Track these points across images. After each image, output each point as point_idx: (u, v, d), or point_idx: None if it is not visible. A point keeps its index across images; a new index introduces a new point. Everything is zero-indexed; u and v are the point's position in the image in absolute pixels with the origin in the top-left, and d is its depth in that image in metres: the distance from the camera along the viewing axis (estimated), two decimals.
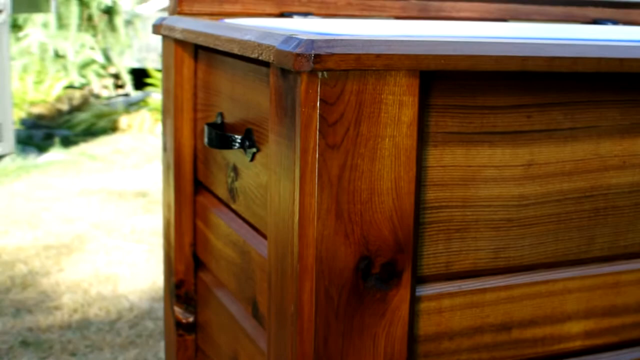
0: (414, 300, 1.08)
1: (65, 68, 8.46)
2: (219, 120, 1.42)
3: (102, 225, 4.78)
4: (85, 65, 8.59)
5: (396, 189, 1.03)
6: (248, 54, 1.10)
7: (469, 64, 1.01)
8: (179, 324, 1.66)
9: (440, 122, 1.07)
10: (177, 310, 1.66)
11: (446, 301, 1.12)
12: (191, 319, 1.64)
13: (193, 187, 1.60)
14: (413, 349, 1.10)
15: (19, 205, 5.21)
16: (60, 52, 8.42)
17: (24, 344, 3.45)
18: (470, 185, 1.10)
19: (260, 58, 1.06)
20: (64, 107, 8.20)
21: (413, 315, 1.08)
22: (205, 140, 1.34)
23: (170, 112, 1.60)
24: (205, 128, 1.35)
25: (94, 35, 8.60)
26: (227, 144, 1.28)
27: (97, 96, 8.67)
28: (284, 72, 1.02)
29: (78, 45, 8.42)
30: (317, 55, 0.94)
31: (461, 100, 1.08)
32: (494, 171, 1.11)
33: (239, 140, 1.27)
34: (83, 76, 8.59)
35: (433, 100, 1.06)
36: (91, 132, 7.53)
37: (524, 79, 1.10)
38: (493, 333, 1.15)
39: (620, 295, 1.22)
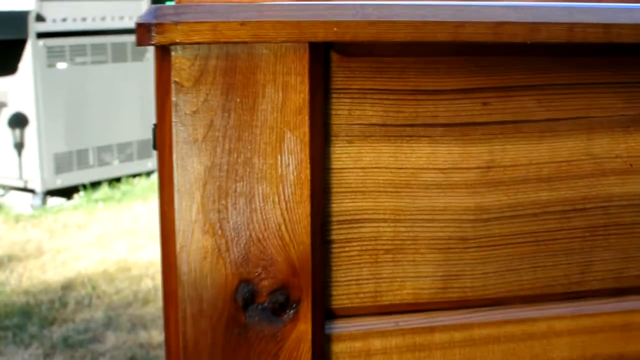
0: (323, 338, 0.84)
1: None
2: None
3: None
4: None
5: (285, 195, 0.79)
6: None
7: (373, 33, 0.76)
8: None
9: (356, 110, 0.83)
10: None
11: (377, 342, 0.87)
12: None
13: None
14: None
15: None
16: None
17: None
18: (403, 193, 0.85)
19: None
20: None
21: (323, 359, 0.84)
22: None
23: None
24: None
25: None
26: None
27: None
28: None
29: None
30: (158, 25, 0.73)
31: (385, 83, 0.83)
32: (437, 175, 0.86)
33: None
34: None
35: (340, 83, 0.82)
36: None
37: (476, 53, 0.84)
38: None
39: (631, 342, 0.92)
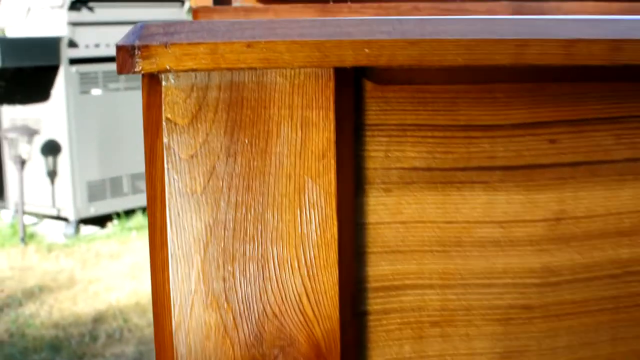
0: None
1: None
2: None
3: None
4: None
5: (307, 259, 0.63)
6: None
7: (415, 55, 0.60)
8: None
9: (394, 152, 0.67)
10: None
11: None
12: None
13: None
14: None
15: None
16: None
17: None
18: (453, 252, 0.69)
19: None
20: None
21: None
22: None
23: None
24: None
25: None
26: None
27: None
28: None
29: None
30: (144, 48, 0.58)
31: (430, 117, 0.67)
32: (495, 230, 0.69)
33: None
34: None
35: (374, 117, 0.66)
36: None
37: (542, 79, 0.68)
38: None
39: None
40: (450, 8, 1.37)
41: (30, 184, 6.13)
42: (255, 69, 0.60)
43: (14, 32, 5.86)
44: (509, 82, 0.68)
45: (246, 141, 0.62)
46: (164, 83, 0.61)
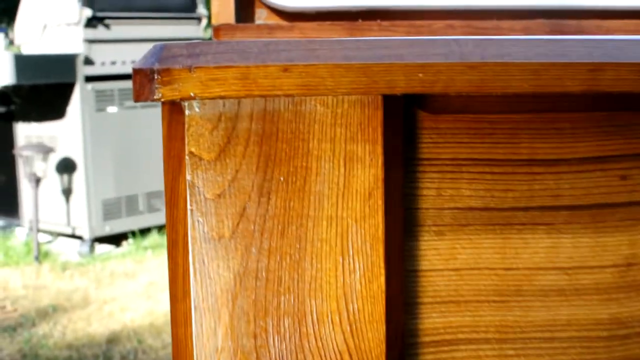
0: None
1: None
2: None
3: None
4: None
5: (350, 313, 0.55)
6: None
7: (475, 81, 0.52)
8: None
9: (448, 190, 0.59)
10: None
11: None
12: None
13: None
14: None
15: None
16: None
17: None
18: (512, 302, 0.61)
19: None
20: None
21: None
22: None
23: None
24: None
25: None
26: None
27: None
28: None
29: None
30: (164, 72, 0.50)
31: (488, 151, 0.59)
32: (559, 277, 0.61)
33: None
34: None
35: (426, 151, 0.58)
36: None
37: (612, 107, 0.60)
38: None
39: None
40: (487, 27, 1.29)
41: (45, 202, 6.08)
42: (292, 96, 0.52)
43: (29, 49, 5.83)
44: (576, 111, 0.60)
45: (281, 179, 0.54)
46: (187, 112, 0.53)
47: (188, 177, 0.53)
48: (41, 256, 5.93)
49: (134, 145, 6.08)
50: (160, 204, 6.10)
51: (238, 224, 0.54)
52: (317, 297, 0.55)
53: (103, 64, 5.74)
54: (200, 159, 0.54)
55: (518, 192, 0.60)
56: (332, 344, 0.56)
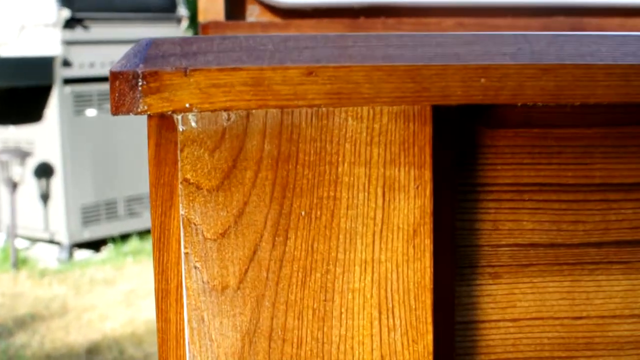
0: None
1: None
2: None
3: None
4: None
5: None
6: None
7: (551, 88, 0.40)
8: None
9: (506, 222, 0.47)
10: None
11: None
12: None
13: None
14: None
15: None
16: None
17: None
18: (581, 357, 0.49)
19: None
20: None
21: None
22: None
23: None
24: None
25: None
26: None
27: None
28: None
29: None
30: (149, 76, 0.38)
31: (554, 174, 0.47)
32: (638, 326, 0.49)
33: None
34: None
35: (481, 175, 0.46)
36: None
37: None
38: None
39: None
40: (500, 25, 1.18)
41: (23, 207, 5.93)
42: (317, 106, 0.40)
43: (6, 51, 5.68)
44: None
45: (302, 213, 0.42)
46: (181, 128, 0.41)
47: (182, 211, 0.41)
48: (19, 263, 5.78)
49: (113, 149, 5.95)
50: (141, 208, 5.97)
51: (247, 270, 0.42)
52: None
53: (82, 66, 5.61)
54: (198, 187, 0.41)
55: (591, 224, 0.48)
56: None
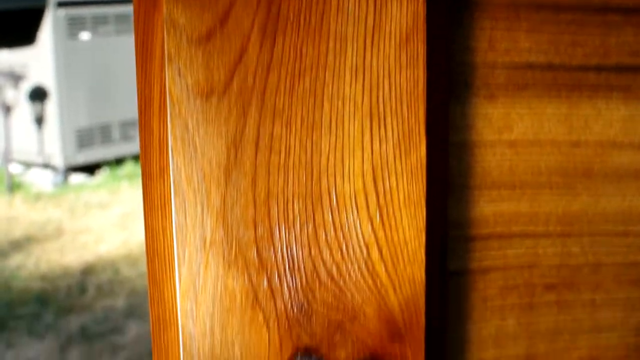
0: None
1: None
2: None
3: None
4: None
5: (379, 194, 0.42)
6: None
7: None
8: None
9: (502, 42, 0.46)
10: None
11: None
12: None
13: None
14: None
15: None
16: None
17: None
18: (580, 187, 0.48)
19: None
20: None
21: None
22: None
23: None
24: None
25: None
26: None
27: None
28: None
29: None
30: None
31: None
32: (638, 156, 0.48)
33: None
34: None
35: None
36: None
37: None
38: None
39: None
40: None
41: (17, 131, 5.91)
42: None
43: None
44: None
45: (291, 16, 0.40)
46: None
47: (165, 10, 0.39)
48: (14, 187, 5.78)
49: (108, 73, 5.91)
50: (136, 132, 5.95)
51: (233, 75, 0.41)
52: (337, 173, 0.42)
53: None
54: None
55: (590, 46, 0.47)
56: (356, 234, 0.42)
